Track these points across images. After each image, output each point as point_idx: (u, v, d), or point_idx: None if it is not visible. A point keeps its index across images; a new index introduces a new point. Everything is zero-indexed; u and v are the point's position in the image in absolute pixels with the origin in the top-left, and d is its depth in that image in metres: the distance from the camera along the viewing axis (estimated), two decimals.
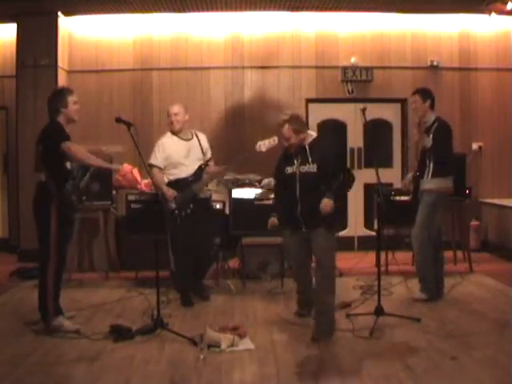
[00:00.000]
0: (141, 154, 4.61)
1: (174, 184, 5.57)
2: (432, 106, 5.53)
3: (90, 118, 8.04)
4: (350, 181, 4.83)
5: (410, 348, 4.22)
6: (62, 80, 7.77)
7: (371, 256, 6.61)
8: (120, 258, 7.11)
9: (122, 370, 3.88)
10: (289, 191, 4.68)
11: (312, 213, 4.50)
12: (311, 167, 4.59)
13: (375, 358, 4.05)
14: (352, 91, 8.28)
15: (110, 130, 7.78)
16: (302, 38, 8.25)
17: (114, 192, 6.93)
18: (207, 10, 7.78)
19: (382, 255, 6.08)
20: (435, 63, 8.25)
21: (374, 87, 8.29)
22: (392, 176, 8.07)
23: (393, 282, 6.11)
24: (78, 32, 8.14)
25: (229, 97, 8.27)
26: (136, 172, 7.36)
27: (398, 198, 6.71)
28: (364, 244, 7.73)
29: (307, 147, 4.64)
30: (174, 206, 5.45)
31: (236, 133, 8.07)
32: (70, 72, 8.08)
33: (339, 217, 4.83)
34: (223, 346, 4.21)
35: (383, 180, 5.10)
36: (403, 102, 8.19)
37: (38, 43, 7.54)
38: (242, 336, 4.41)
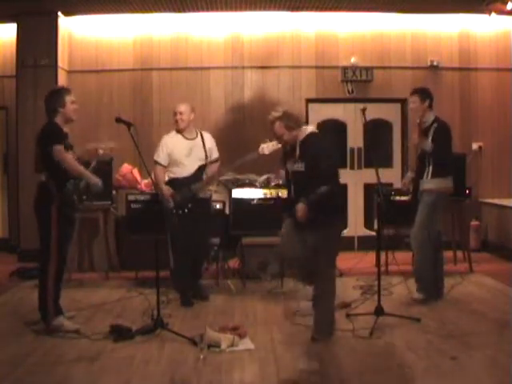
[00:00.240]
0: (141, 153, 4.61)
1: (172, 183, 5.59)
2: (431, 106, 5.52)
3: (90, 117, 8.05)
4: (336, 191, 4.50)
5: (410, 348, 4.22)
6: (62, 80, 7.77)
7: (371, 256, 6.61)
8: (120, 258, 7.11)
9: (121, 370, 3.88)
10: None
11: None
12: (299, 166, 4.46)
13: (375, 358, 4.05)
14: (352, 91, 8.28)
15: (109, 130, 7.79)
16: (302, 38, 8.26)
17: (114, 192, 6.94)
18: (207, 10, 7.79)
19: (382, 255, 6.07)
20: (435, 63, 8.26)
21: (373, 87, 8.29)
22: (392, 176, 8.08)
23: (393, 282, 6.11)
24: (78, 32, 8.14)
25: (229, 97, 8.27)
26: (136, 172, 7.45)
27: (397, 197, 6.71)
28: (364, 244, 7.73)
29: (298, 144, 4.51)
30: (172, 204, 5.47)
31: (236, 133, 8.06)
32: (69, 72, 8.08)
33: (338, 216, 4.64)
34: (223, 346, 4.21)
35: (383, 180, 5.10)
36: (403, 102, 8.19)
37: (38, 43, 7.54)
38: (241, 336, 4.41)
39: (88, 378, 3.79)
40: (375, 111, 7.81)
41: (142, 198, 6.75)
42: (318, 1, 7.49)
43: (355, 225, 8.38)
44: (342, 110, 8.42)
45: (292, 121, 4.54)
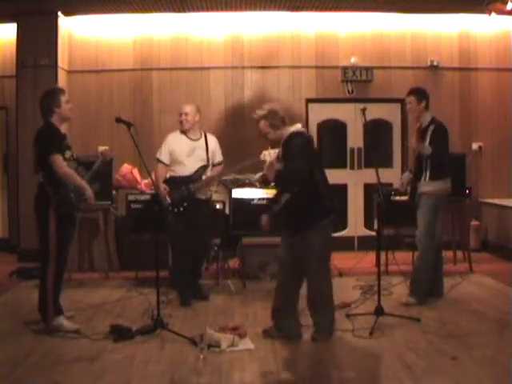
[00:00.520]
0: (141, 153, 4.61)
1: (171, 181, 5.61)
2: (427, 107, 5.49)
3: (90, 118, 8.06)
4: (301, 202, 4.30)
5: (410, 348, 4.22)
6: (62, 80, 7.78)
7: (371, 256, 6.61)
8: (120, 258, 7.11)
9: (121, 370, 3.88)
10: None
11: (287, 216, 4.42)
12: (280, 166, 4.40)
13: (375, 358, 4.05)
14: (352, 91, 8.28)
15: (110, 130, 7.80)
16: (302, 38, 8.26)
17: (114, 192, 6.94)
18: (207, 9, 7.79)
19: (382, 255, 6.07)
20: (435, 63, 8.26)
21: (373, 87, 8.29)
22: (392, 176, 8.05)
23: (393, 282, 6.11)
24: (78, 32, 8.14)
25: (229, 97, 8.27)
26: (136, 172, 7.45)
27: (397, 197, 6.70)
28: (364, 244, 7.74)
29: (281, 144, 4.45)
30: (168, 202, 5.48)
31: (236, 133, 8.06)
32: (69, 72, 8.09)
33: (322, 217, 4.34)
34: (223, 346, 4.21)
35: (383, 180, 5.10)
36: (403, 102, 8.11)
37: (38, 43, 7.54)
38: (241, 336, 4.41)
39: (88, 378, 3.78)
40: (375, 111, 7.80)
41: (142, 198, 6.75)
42: (318, 1, 7.49)
43: (355, 225, 8.39)
44: (342, 110, 8.41)
45: (277, 119, 4.45)
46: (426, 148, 5.29)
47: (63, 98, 4.73)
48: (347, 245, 8.15)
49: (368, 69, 8.23)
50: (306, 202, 4.28)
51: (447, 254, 7.06)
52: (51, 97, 4.71)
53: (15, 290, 6.15)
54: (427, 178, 5.37)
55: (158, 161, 5.68)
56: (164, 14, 7.95)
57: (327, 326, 4.46)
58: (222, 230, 6.28)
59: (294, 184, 4.27)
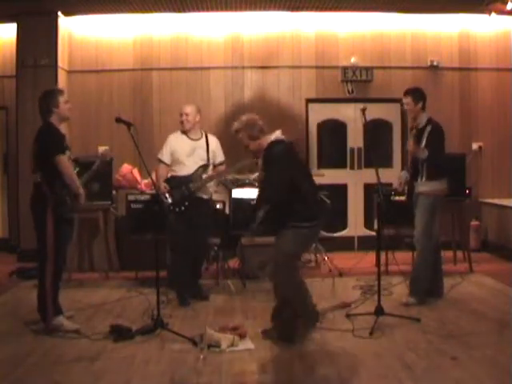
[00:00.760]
0: (141, 153, 4.61)
1: (171, 180, 5.62)
2: (424, 107, 5.46)
3: (90, 118, 8.06)
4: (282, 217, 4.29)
5: (410, 348, 4.21)
6: (62, 80, 7.78)
7: (371, 256, 6.61)
8: (120, 258, 7.11)
9: (121, 370, 3.88)
10: None
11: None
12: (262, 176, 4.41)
13: (375, 358, 4.05)
14: (352, 91, 8.28)
15: (110, 130, 7.80)
16: (302, 38, 8.26)
17: (114, 192, 6.94)
18: (207, 9, 7.79)
19: (382, 255, 6.07)
20: (435, 63, 8.26)
21: (373, 87, 8.30)
22: (392, 176, 8.00)
23: (393, 282, 6.10)
24: (78, 32, 8.14)
25: (229, 97, 8.28)
26: (136, 172, 7.45)
27: (397, 198, 6.69)
28: (364, 244, 7.74)
29: (262, 154, 4.43)
30: (169, 201, 5.49)
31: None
32: (69, 72, 8.09)
33: (306, 221, 4.28)
34: (223, 346, 4.21)
35: (383, 180, 5.10)
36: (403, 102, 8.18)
37: (38, 43, 7.54)
38: (242, 336, 4.41)
39: (88, 377, 3.78)
40: (375, 111, 7.81)
41: (142, 198, 6.76)
42: (318, 1, 7.49)
43: (355, 225, 8.39)
44: (342, 110, 8.41)
45: (255, 130, 4.41)
46: (423, 152, 5.27)
47: (62, 99, 4.74)
48: (347, 245, 8.15)
49: (368, 69, 8.24)
50: (288, 211, 4.24)
51: (447, 254, 7.07)
52: (50, 97, 4.72)
53: (15, 290, 6.15)
54: (424, 178, 5.36)
55: (160, 161, 5.71)
56: (164, 13, 7.96)
57: (281, 332, 4.36)
58: (221, 230, 6.27)
59: (275, 196, 4.26)
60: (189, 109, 5.72)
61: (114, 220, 7.11)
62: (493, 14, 7.21)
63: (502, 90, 8.26)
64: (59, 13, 7.66)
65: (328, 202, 6.98)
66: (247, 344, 4.35)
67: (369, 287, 5.87)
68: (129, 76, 8.21)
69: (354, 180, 8.39)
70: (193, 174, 5.60)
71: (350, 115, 8.33)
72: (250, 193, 6.44)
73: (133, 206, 6.68)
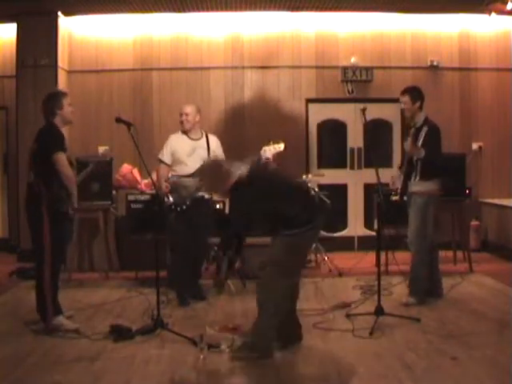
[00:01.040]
0: (141, 153, 4.61)
1: (172, 180, 5.62)
2: (421, 107, 5.43)
3: (90, 118, 8.06)
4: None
5: (410, 348, 4.21)
6: (62, 80, 7.78)
7: (371, 256, 6.61)
8: (120, 258, 7.11)
9: (121, 370, 3.88)
10: None
11: None
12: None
13: (375, 358, 4.05)
14: (352, 91, 8.28)
15: (110, 130, 7.80)
16: (302, 38, 8.26)
17: (114, 192, 6.94)
18: (207, 9, 7.79)
19: (382, 255, 6.07)
20: (435, 63, 8.26)
21: (373, 87, 8.30)
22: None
23: (393, 282, 6.10)
24: (78, 32, 8.14)
25: (229, 97, 8.28)
26: (136, 172, 7.45)
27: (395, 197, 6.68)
28: (364, 244, 7.73)
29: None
30: (171, 201, 5.49)
31: (236, 133, 8.07)
32: (70, 72, 8.09)
33: (291, 228, 4.07)
34: (223, 346, 4.21)
35: (383, 180, 5.10)
36: None
37: (38, 43, 7.54)
38: (241, 336, 4.40)
39: (88, 377, 3.78)
40: (375, 111, 7.80)
41: (141, 198, 6.76)
42: (318, 1, 7.49)
43: (355, 225, 8.39)
44: (342, 110, 8.41)
45: (222, 178, 4.10)
46: (420, 151, 5.25)
47: (65, 101, 4.74)
48: (347, 245, 8.15)
49: (368, 69, 8.24)
50: (277, 221, 4.10)
51: (447, 254, 7.09)
52: (54, 99, 4.72)
53: (15, 290, 6.15)
54: (418, 177, 5.34)
55: (160, 161, 5.72)
56: (164, 13, 7.96)
57: (253, 342, 4.14)
58: (222, 230, 6.27)
59: (240, 227, 4.20)
60: (189, 109, 5.73)
61: (114, 220, 7.11)
62: (493, 13, 7.22)
63: (502, 90, 8.26)
64: (59, 13, 7.66)
65: (328, 201, 6.99)
66: None
67: (369, 287, 5.87)
68: (129, 76, 8.21)
69: (354, 180, 8.39)
70: (194, 173, 5.61)
71: (350, 115, 8.32)
72: None
73: (133, 206, 6.68)
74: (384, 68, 8.29)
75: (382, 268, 5.61)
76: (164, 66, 8.21)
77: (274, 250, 4.14)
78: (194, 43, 8.21)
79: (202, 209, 5.65)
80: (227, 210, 6.54)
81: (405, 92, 5.48)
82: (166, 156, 5.70)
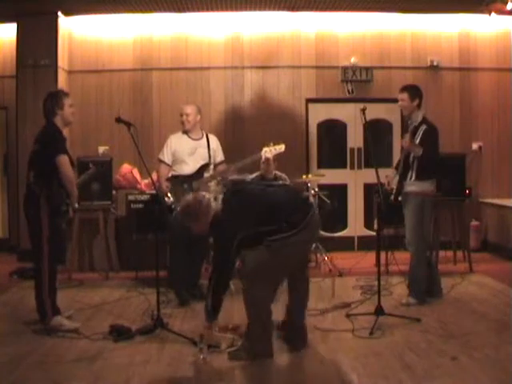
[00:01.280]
0: (141, 153, 4.61)
1: (173, 180, 5.63)
2: (419, 105, 5.41)
3: (90, 118, 8.06)
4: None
5: (410, 348, 4.21)
6: (62, 80, 7.78)
7: (371, 256, 6.61)
8: (120, 258, 7.11)
9: (121, 370, 3.88)
10: None
11: None
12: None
13: (375, 358, 4.05)
14: (352, 91, 8.28)
15: (110, 130, 7.81)
16: (301, 38, 8.26)
17: (114, 192, 6.94)
18: (207, 9, 7.79)
19: (382, 255, 6.07)
20: (435, 63, 8.26)
21: (373, 87, 8.29)
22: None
23: (393, 282, 6.10)
24: (77, 32, 8.14)
25: (229, 97, 8.27)
26: (136, 172, 7.45)
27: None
28: (364, 244, 7.74)
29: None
30: (171, 200, 5.50)
31: (236, 133, 8.08)
32: (70, 72, 8.09)
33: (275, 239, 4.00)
34: (223, 346, 4.21)
35: (383, 180, 5.09)
36: None
37: (38, 43, 7.54)
38: (241, 336, 4.40)
39: (88, 378, 3.78)
40: (375, 111, 7.81)
41: (141, 197, 6.76)
42: (318, 1, 7.49)
43: (355, 225, 8.39)
44: (342, 110, 8.41)
45: (206, 215, 4.04)
46: (418, 149, 5.23)
47: (67, 101, 4.73)
48: (347, 245, 8.16)
49: (368, 69, 8.23)
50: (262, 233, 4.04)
51: (447, 254, 7.10)
52: (55, 99, 4.70)
53: (15, 290, 6.15)
54: (413, 177, 5.32)
55: (161, 161, 5.74)
56: (164, 13, 7.95)
57: (249, 346, 4.11)
58: None
59: (227, 261, 4.15)
60: (189, 109, 5.77)
61: (114, 220, 7.11)
62: (493, 13, 7.21)
63: (502, 90, 8.26)
64: (59, 13, 7.66)
65: (328, 201, 7.00)
66: None
67: (369, 287, 5.87)
68: (129, 76, 8.21)
69: (354, 180, 8.39)
70: (195, 172, 5.62)
71: (350, 115, 8.32)
72: None
73: (133, 206, 6.68)
74: (384, 68, 8.28)
75: (382, 268, 5.61)
76: (164, 66, 8.21)
77: (255, 256, 4.09)
78: (194, 43, 8.21)
79: None
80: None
81: (404, 89, 5.46)
82: (166, 156, 5.72)
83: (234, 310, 5.33)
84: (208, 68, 8.24)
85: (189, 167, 5.64)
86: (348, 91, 8.29)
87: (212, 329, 4.17)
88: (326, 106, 8.44)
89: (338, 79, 8.27)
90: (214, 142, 5.86)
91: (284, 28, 8.24)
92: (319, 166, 8.37)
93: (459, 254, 7.17)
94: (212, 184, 5.82)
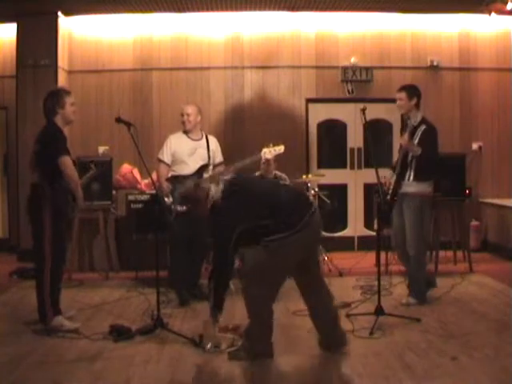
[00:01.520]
0: (141, 153, 4.61)
1: (172, 180, 5.64)
2: (418, 105, 5.38)
3: (90, 118, 8.06)
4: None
5: (410, 348, 4.21)
6: (62, 80, 7.78)
7: (371, 256, 6.61)
8: (120, 258, 7.11)
9: (122, 370, 3.88)
10: None
11: None
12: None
13: (375, 358, 4.05)
14: (352, 91, 8.28)
15: (110, 130, 7.81)
16: (301, 38, 8.26)
17: (114, 192, 6.94)
18: (207, 9, 7.79)
19: (382, 255, 6.07)
20: (435, 63, 8.26)
21: (373, 87, 8.30)
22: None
23: (393, 282, 6.10)
24: (77, 32, 8.14)
25: (229, 97, 8.28)
26: (136, 172, 7.45)
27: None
28: (364, 244, 7.74)
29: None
30: (170, 200, 5.50)
31: (236, 133, 8.08)
32: (70, 72, 8.09)
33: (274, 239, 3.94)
34: (223, 347, 4.20)
35: (383, 180, 5.09)
36: None
37: (38, 43, 7.54)
38: (241, 336, 4.39)
39: (88, 377, 3.78)
40: (375, 111, 7.80)
41: (141, 197, 6.76)
42: (318, 1, 7.49)
43: (355, 225, 8.39)
44: (342, 110, 8.41)
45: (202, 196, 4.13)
46: (417, 149, 5.20)
47: (68, 100, 4.70)
48: (347, 245, 8.16)
49: (368, 69, 8.24)
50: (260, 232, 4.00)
51: (447, 254, 7.10)
52: (56, 97, 4.68)
53: (15, 290, 6.15)
54: (411, 178, 5.28)
55: (160, 161, 5.73)
56: (164, 13, 7.96)
57: (241, 353, 4.08)
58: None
59: (225, 252, 4.06)
60: (190, 109, 5.76)
61: (114, 220, 7.11)
62: (493, 13, 7.21)
63: (502, 90, 8.26)
64: (59, 13, 7.66)
65: (328, 201, 7.00)
66: None
67: (369, 287, 5.87)
68: (129, 76, 8.21)
69: (354, 180, 8.39)
70: (194, 173, 5.62)
71: (350, 115, 8.32)
72: None
73: (133, 206, 6.68)
74: (384, 68, 8.29)
75: (382, 268, 5.61)
76: (164, 66, 8.21)
77: (253, 256, 4.06)
78: (194, 43, 8.21)
79: None
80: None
81: (402, 89, 5.44)
82: (165, 156, 5.71)
83: (234, 310, 5.33)
84: (208, 68, 8.24)
85: (188, 168, 5.64)
86: (348, 91, 8.29)
87: (214, 325, 4.16)
88: (326, 106, 8.44)
89: (337, 79, 8.27)
90: (214, 143, 5.86)
91: (284, 28, 8.24)
92: (319, 166, 8.37)
93: (459, 254, 7.17)
94: (212, 185, 5.82)
